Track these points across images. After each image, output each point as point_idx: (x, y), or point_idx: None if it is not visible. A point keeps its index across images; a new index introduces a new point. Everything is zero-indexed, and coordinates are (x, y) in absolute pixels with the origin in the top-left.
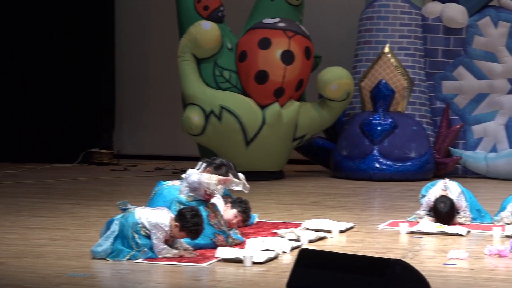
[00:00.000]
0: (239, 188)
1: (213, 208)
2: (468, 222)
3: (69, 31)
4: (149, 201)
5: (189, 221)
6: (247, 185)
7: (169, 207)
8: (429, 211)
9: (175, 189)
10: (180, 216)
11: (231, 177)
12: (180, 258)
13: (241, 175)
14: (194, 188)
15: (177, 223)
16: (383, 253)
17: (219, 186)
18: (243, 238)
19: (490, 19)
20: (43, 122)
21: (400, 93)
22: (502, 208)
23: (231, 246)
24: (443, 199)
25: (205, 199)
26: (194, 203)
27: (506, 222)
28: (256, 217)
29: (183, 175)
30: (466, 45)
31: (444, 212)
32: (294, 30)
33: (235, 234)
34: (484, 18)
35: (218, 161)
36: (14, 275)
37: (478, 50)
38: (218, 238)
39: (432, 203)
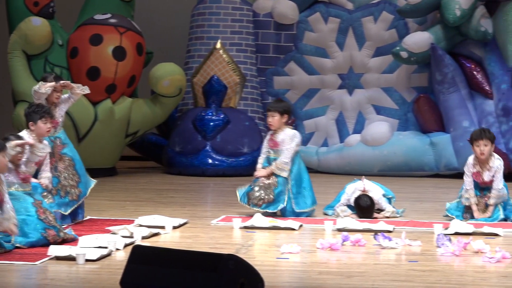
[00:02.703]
0: (45, 151)
1: (41, 204)
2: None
3: None
4: None
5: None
6: (80, 88)
7: None
8: None
9: None
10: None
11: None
12: (7, 253)
13: (76, 85)
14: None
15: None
16: (216, 248)
17: (18, 148)
18: (76, 236)
19: (320, 15)
20: None
21: (232, 89)
22: (336, 201)
23: (64, 240)
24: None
25: (21, 179)
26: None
27: (346, 215)
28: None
29: None
30: (297, 40)
31: None
32: (125, 26)
33: (69, 231)
34: (314, 14)
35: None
36: None
37: (309, 46)
38: (49, 232)
39: None
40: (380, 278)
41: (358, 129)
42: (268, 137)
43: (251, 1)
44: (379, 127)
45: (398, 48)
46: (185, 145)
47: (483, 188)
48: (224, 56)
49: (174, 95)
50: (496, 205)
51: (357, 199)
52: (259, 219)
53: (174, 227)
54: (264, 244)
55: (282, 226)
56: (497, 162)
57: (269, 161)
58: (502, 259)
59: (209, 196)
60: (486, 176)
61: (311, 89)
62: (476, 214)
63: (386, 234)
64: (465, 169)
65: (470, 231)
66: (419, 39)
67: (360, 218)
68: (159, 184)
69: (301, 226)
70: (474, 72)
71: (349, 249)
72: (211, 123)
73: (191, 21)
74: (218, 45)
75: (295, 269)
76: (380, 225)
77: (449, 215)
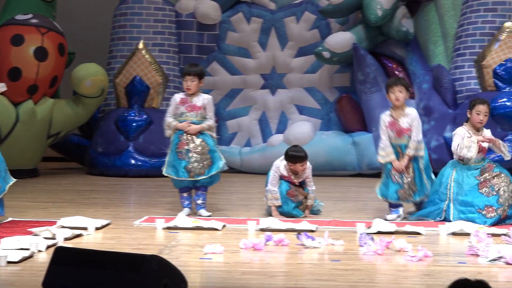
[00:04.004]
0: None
1: None
2: None
3: None
4: None
5: None
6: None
7: None
8: None
9: None
10: None
11: None
12: None
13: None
14: None
15: None
16: (139, 249)
17: None
18: None
19: (243, 15)
20: None
21: (155, 89)
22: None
23: None
24: None
25: None
26: None
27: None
28: None
29: None
30: (220, 41)
31: None
32: (47, 26)
33: None
34: (237, 14)
35: None
36: None
37: (232, 46)
38: None
39: None
40: (303, 278)
41: (281, 129)
42: (177, 100)
43: (173, 1)
44: (301, 127)
45: (320, 48)
46: (107, 145)
47: (400, 145)
48: (147, 56)
49: (96, 95)
50: (422, 182)
51: (288, 149)
52: (182, 220)
53: (97, 228)
54: (187, 244)
55: (205, 226)
56: (413, 111)
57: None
58: (424, 258)
59: (132, 197)
60: (403, 122)
61: (234, 89)
62: (396, 164)
63: (309, 233)
64: (380, 126)
65: (392, 230)
66: (341, 39)
67: (293, 162)
68: (82, 185)
69: (224, 226)
70: (396, 72)
71: (272, 249)
72: (134, 124)
73: (113, 22)
74: (141, 46)
75: (218, 269)
76: (303, 224)
77: (389, 199)
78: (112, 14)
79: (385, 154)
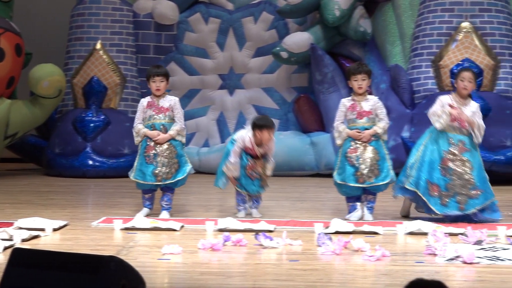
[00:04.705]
0: None
1: None
2: None
3: None
4: None
5: None
6: None
7: None
8: None
9: None
10: None
11: None
12: None
13: None
14: None
15: None
16: (97, 250)
17: None
18: None
19: (200, 15)
20: None
21: (112, 90)
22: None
23: None
24: None
25: None
26: None
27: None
28: None
29: None
30: (178, 41)
31: None
32: (4, 26)
33: None
34: (194, 15)
35: None
36: None
37: (189, 46)
38: None
39: None
40: (262, 278)
41: (239, 129)
42: (144, 104)
43: (131, 1)
44: None
45: (278, 48)
46: (65, 146)
47: (359, 128)
48: (104, 57)
49: (54, 96)
50: (386, 166)
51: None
52: (140, 220)
53: (54, 229)
54: (145, 245)
55: (163, 227)
56: (375, 97)
57: (155, 127)
58: (382, 257)
59: (90, 197)
60: (365, 105)
61: (191, 89)
62: (354, 133)
63: (267, 233)
64: (337, 110)
65: (350, 230)
66: (299, 39)
67: (261, 129)
68: (39, 186)
69: (182, 226)
70: None
71: (230, 249)
72: (92, 124)
73: (71, 22)
74: (98, 46)
75: (177, 270)
76: (261, 225)
77: (348, 182)
78: (70, 15)
79: (340, 132)
